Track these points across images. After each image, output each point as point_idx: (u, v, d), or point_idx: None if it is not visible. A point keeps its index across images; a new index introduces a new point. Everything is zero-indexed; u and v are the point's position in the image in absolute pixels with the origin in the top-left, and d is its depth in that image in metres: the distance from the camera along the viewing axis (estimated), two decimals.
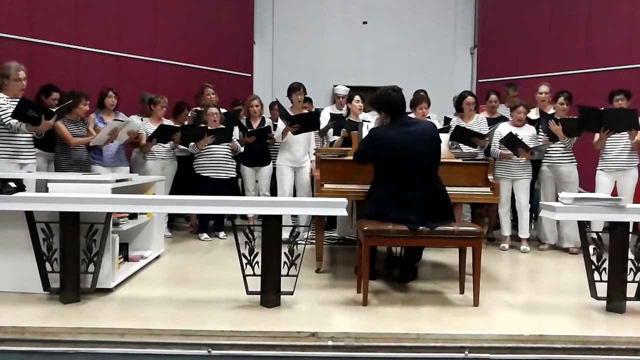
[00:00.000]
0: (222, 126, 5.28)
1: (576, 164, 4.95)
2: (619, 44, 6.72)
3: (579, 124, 4.67)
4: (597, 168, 4.85)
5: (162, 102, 5.42)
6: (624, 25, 6.69)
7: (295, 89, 5.21)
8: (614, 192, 4.70)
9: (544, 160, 5.04)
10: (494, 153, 4.99)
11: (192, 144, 5.21)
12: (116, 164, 5.04)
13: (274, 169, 5.68)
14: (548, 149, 4.96)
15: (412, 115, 5.24)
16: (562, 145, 4.88)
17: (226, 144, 5.31)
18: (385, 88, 3.51)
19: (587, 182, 5.01)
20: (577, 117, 4.73)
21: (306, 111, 5.70)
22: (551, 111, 5.30)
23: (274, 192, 5.70)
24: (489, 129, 5.11)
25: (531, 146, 4.82)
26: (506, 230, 5.11)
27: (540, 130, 4.99)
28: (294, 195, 5.23)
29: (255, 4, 8.74)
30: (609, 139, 4.69)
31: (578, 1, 7.26)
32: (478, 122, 5.24)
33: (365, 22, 8.95)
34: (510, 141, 4.79)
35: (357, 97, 5.28)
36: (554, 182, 4.98)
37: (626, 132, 4.59)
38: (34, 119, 4.01)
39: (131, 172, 5.18)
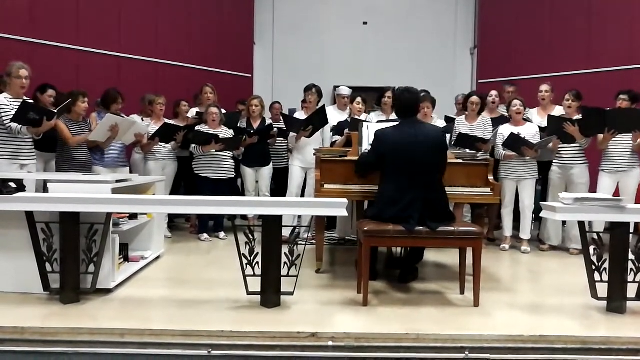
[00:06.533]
0: (231, 135, 5.27)
1: (587, 165, 4.87)
2: (619, 44, 6.70)
3: (582, 124, 4.61)
4: (599, 169, 4.82)
5: (157, 99, 5.42)
6: (624, 26, 6.68)
7: (307, 89, 5.27)
8: (617, 193, 4.67)
9: (554, 161, 4.97)
10: (499, 155, 4.95)
11: (194, 145, 5.18)
12: (117, 165, 5.02)
13: (274, 169, 5.68)
14: (559, 148, 4.87)
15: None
16: (578, 146, 4.80)
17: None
18: (400, 89, 3.52)
19: (590, 183, 4.96)
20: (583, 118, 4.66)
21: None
22: (556, 110, 5.27)
23: (274, 192, 5.69)
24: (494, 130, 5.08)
25: (534, 143, 4.77)
26: (507, 231, 5.09)
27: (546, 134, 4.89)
28: (302, 195, 5.20)
29: (256, 4, 8.73)
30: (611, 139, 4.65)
31: (578, 1, 7.26)
32: (483, 124, 5.20)
33: (365, 23, 8.94)
34: (514, 141, 4.75)
35: (358, 99, 5.23)
36: (564, 183, 4.91)
37: (630, 133, 4.56)
38: (35, 121, 4.02)
39: (130, 172, 5.17)
